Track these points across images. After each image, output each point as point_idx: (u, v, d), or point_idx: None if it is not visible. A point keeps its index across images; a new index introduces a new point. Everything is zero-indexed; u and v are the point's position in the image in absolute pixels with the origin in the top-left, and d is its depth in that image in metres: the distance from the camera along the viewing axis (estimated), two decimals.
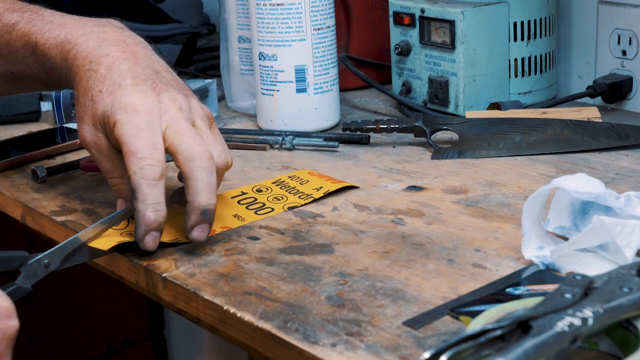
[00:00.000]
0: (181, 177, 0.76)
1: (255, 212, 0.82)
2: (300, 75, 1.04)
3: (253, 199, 0.84)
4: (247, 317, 0.64)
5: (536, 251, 0.69)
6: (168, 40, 1.38)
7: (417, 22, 1.09)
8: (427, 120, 0.99)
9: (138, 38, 0.82)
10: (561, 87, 1.16)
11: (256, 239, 0.77)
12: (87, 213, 0.85)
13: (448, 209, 0.81)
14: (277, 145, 1.01)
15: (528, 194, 0.77)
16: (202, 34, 1.49)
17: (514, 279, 0.67)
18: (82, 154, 1.00)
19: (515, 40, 1.08)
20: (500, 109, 1.04)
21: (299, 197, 0.84)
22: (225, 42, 1.17)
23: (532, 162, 0.92)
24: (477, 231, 0.76)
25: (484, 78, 1.07)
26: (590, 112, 1.01)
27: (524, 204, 0.68)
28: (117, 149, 0.76)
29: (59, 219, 0.84)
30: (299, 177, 0.88)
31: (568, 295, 0.55)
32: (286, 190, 0.86)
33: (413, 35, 1.10)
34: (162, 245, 0.75)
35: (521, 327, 0.53)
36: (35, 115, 1.16)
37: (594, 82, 1.08)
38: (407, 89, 1.13)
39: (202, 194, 0.72)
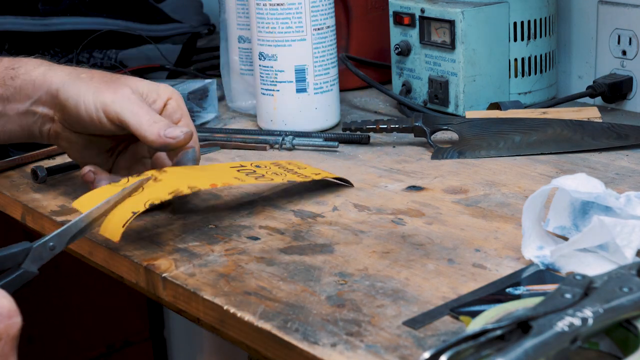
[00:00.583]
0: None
1: (255, 179, 0.82)
2: (300, 75, 1.04)
3: (252, 171, 0.84)
4: (247, 317, 0.64)
5: (536, 251, 0.69)
6: (168, 40, 1.38)
7: (417, 22, 1.09)
8: (427, 120, 0.99)
9: None
10: (561, 87, 1.16)
11: (256, 239, 0.77)
12: None
13: (448, 209, 0.81)
14: (277, 145, 1.01)
15: (528, 194, 0.77)
16: (202, 34, 1.49)
17: (514, 279, 0.67)
18: None
19: (515, 40, 1.08)
20: (500, 109, 1.04)
21: (297, 176, 0.84)
22: (225, 42, 1.17)
23: (532, 162, 0.92)
24: (477, 231, 0.76)
25: (484, 78, 1.07)
26: (590, 112, 1.01)
27: (524, 204, 0.68)
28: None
29: (59, 219, 0.84)
30: (296, 164, 0.88)
31: (568, 295, 0.55)
32: (284, 170, 0.86)
33: (413, 35, 1.10)
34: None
35: (521, 327, 0.53)
36: None
37: (594, 82, 1.08)
38: (407, 89, 1.13)
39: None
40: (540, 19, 1.09)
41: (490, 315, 0.56)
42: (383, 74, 1.22)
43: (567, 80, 1.16)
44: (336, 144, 1.00)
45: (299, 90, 1.04)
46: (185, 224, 0.81)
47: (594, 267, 0.65)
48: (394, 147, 1.00)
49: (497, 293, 0.65)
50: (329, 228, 0.78)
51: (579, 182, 0.68)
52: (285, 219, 0.81)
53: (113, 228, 0.72)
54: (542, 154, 0.94)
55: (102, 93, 0.80)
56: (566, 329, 0.52)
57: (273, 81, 1.04)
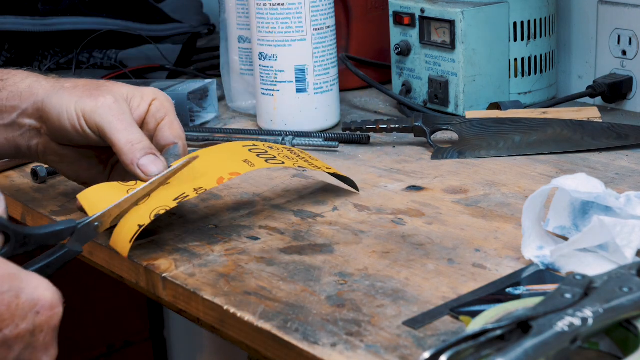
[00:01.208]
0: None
1: (266, 161, 0.80)
2: (300, 75, 1.04)
3: (264, 151, 0.82)
4: (247, 317, 0.64)
5: (536, 251, 0.69)
6: (168, 40, 1.38)
7: (417, 22, 1.09)
8: (427, 120, 0.99)
9: None
10: (561, 87, 1.16)
11: (256, 239, 0.77)
12: None
13: (448, 209, 0.81)
14: None
15: (528, 194, 0.77)
16: (202, 34, 1.49)
17: (514, 279, 0.67)
18: None
19: (515, 40, 1.08)
20: (500, 109, 1.04)
21: (308, 164, 0.83)
22: (225, 42, 1.17)
23: (532, 162, 0.92)
24: (477, 231, 0.76)
25: (484, 78, 1.07)
26: (590, 112, 1.01)
27: (524, 204, 0.68)
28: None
29: (59, 219, 0.84)
30: (309, 155, 0.87)
31: (568, 295, 0.55)
32: (296, 155, 0.84)
33: (413, 35, 1.10)
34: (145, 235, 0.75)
35: (521, 327, 0.53)
36: None
37: (594, 82, 1.08)
38: (407, 89, 1.13)
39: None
40: (540, 19, 1.09)
41: (490, 315, 0.56)
42: (383, 74, 1.22)
43: (567, 80, 1.16)
44: (336, 144, 1.00)
45: (299, 90, 1.04)
46: (185, 224, 0.81)
47: (594, 267, 0.65)
48: (394, 147, 1.00)
49: (497, 293, 0.65)
50: (329, 228, 0.78)
51: (579, 182, 0.68)
52: (285, 219, 0.81)
53: (122, 243, 0.72)
54: (542, 154, 0.94)
55: (84, 101, 0.78)
56: (566, 329, 0.52)
57: (273, 81, 1.04)
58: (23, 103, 0.81)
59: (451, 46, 1.06)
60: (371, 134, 1.01)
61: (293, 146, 1.00)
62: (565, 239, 0.71)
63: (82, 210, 0.75)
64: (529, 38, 1.08)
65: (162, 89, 1.11)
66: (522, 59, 1.09)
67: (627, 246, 0.64)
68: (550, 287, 0.64)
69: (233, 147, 0.83)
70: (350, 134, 1.01)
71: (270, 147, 0.84)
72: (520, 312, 0.53)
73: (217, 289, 0.68)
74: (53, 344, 0.61)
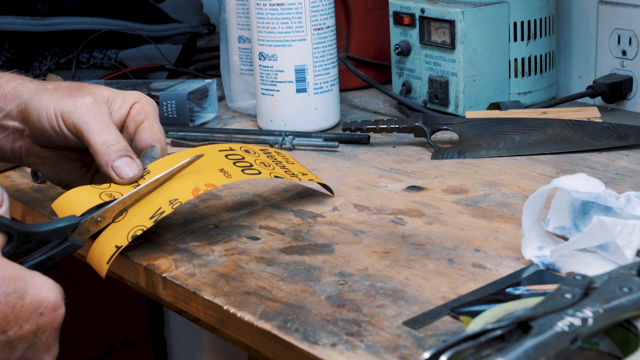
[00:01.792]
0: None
1: (242, 171, 0.79)
2: (300, 75, 1.04)
3: (241, 157, 0.81)
4: (247, 317, 0.64)
5: (536, 251, 0.69)
6: (168, 40, 1.38)
7: (417, 22, 1.09)
8: (427, 120, 0.99)
9: None
10: (561, 87, 1.16)
11: (256, 239, 0.77)
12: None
13: (448, 209, 0.81)
14: (277, 145, 1.01)
15: (528, 194, 0.77)
16: (202, 34, 1.49)
17: (514, 279, 0.67)
18: None
19: (515, 40, 1.08)
20: (500, 109, 1.04)
21: (285, 171, 0.82)
22: (225, 42, 1.17)
23: (532, 162, 0.92)
24: (477, 231, 0.76)
25: (484, 78, 1.07)
26: (590, 112, 1.01)
27: (524, 204, 0.68)
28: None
29: None
30: (284, 156, 0.86)
31: (568, 295, 0.55)
32: (273, 161, 0.84)
33: (413, 35, 1.10)
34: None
35: (521, 327, 0.53)
36: None
37: (594, 82, 1.08)
38: (407, 89, 1.13)
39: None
40: (540, 19, 1.09)
41: (490, 315, 0.56)
42: (383, 74, 1.22)
43: (567, 80, 1.16)
44: (336, 144, 1.00)
45: (299, 90, 1.04)
46: (185, 224, 0.81)
47: (594, 267, 0.65)
48: (394, 147, 1.00)
49: (497, 293, 0.65)
50: (329, 228, 0.78)
51: (579, 182, 0.68)
52: (285, 219, 0.81)
53: (100, 263, 0.72)
54: (542, 154, 0.94)
55: (63, 101, 0.77)
56: (566, 329, 0.52)
57: (273, 81, 1.04)
58: (7, 105, 0.81)
59: (451, 46, 1.06)
60: (371, 134, 1.01)
61: (293, 146, 1.00)
62: (565, 239, 0.71)
63: None
64: (529, 38, 1.08)
65: (162, 89, 1.11)
66: (522, 59, 1.09)
67: (627, 246, 0.64)
68: (550, 287, 0.64)
69: (209, 152, 0.81)
70: (350, 134, 1.01)
71: (247, 152, 0.83)
72: (520, 312, 0.53)
73: (217, 289, 0.68)
74: (55, 344, 0.62)
